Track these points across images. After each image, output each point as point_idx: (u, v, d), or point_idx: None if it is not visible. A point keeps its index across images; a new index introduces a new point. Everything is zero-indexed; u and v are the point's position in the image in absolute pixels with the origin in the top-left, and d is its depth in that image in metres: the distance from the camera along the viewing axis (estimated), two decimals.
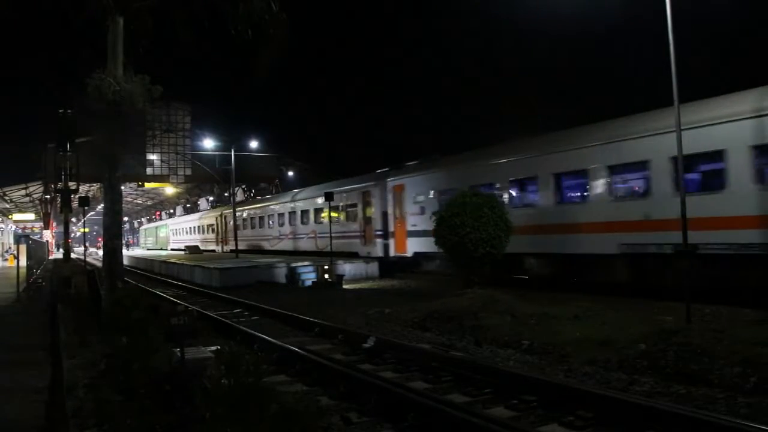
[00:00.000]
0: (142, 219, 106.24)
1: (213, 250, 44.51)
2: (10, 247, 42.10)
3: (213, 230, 46.36)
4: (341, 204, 26.60)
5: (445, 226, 14.66)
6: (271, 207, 36.70)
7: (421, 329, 10.82)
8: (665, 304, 11.10)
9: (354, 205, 25.98)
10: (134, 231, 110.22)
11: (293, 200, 33.12)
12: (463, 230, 14.11)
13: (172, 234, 64.25)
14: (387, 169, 24.64)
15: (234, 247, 38.19)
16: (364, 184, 25.48)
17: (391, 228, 23.02)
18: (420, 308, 12.15)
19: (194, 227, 54.05)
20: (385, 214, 23.44)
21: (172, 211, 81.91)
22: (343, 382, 6.96)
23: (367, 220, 24.76)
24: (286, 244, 33.14)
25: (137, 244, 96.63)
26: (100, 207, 57.55)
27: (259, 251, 36.29)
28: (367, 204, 24.94)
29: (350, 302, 15.26)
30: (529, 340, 9.03)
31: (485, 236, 14.11)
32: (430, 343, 9.34)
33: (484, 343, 9.32)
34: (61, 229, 43.59)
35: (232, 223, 40.75)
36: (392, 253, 23.03)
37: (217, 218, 44.54)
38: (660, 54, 9.80)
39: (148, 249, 73.47)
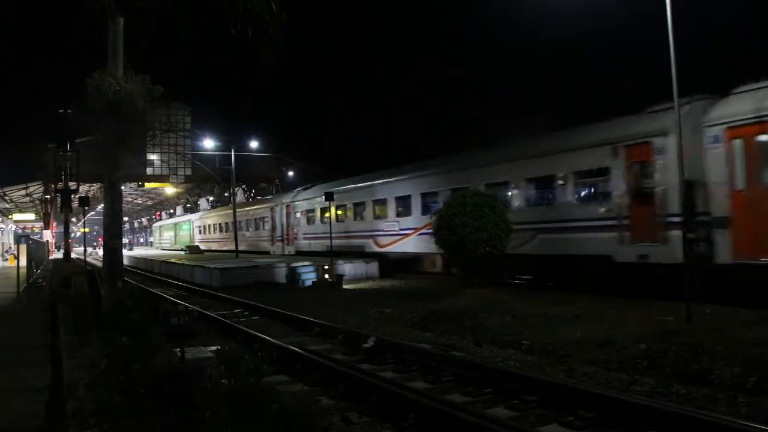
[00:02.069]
0: (143, 219, 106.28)
1: (267, 252, 34.14)
2: (10, 247, 42.09)
3: (266, 226, 36.24)
4: (555, 174, 15.74)
5: (445, 226, 14.67)
6: (383, 187, 23.53)
7: (421, 329, 10.82)
8: (665, 304, 11.10)
9: (597, 174, 14.58)
10: (134, 231, 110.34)
11: (426, 174, 21.09)
12: (463, 230, 14.11)
13: (198, 231, 54.05)
14: (663, 106, 12.99)
15: (301, 248, 30.52)
16: (626, 133, 14.05)
17: (721, 211, 11.82)
18: (420, 308, 12.16)
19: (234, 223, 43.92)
20: (691, 185, 11.75)
21: (172, 211, 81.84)
22: (343, 382, 6.97)
23: (640, 198, 13.47)
24: (410, 245, 21.59)
25: (138, 244, 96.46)
26: (100, 207, 57.63)
27: (354, 254, 24.59)
28: (637, 168, 13.75)
29: (350, 302, 15.25)
30: (529, 340, 9.03)
31: (485, 236, 14.12)
32: (430, 343, 9.34)
33: (484, 343, 9.32)
34: (62, 229, 43.60)
35: (300, 215, 30.88)
36: (726, 257, 11.75)
37: (273, 209, 34.25)
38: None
39: (163, 250, 63.13)
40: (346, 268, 22.42)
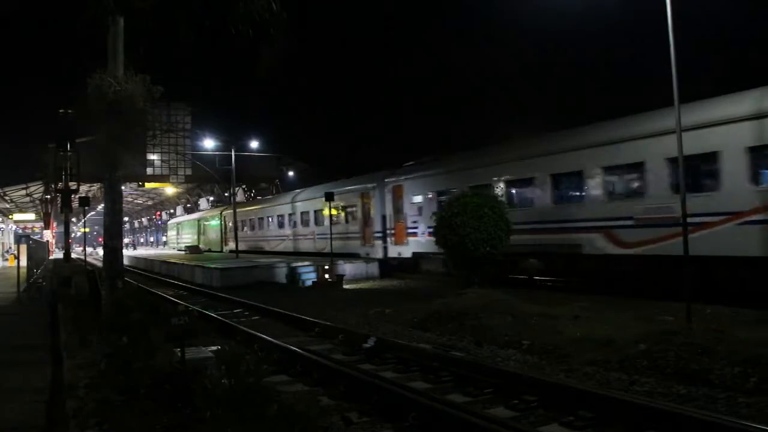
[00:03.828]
0: (143, 219, 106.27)
1: (355, 254, 25.46)
2: (10, 247, 42.12)
3: (353, 218, 26.55)
4: None
5: (446, 226, 14.68)
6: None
7: (421, 329, 10.82)
8: (665, 304, 11.09)
9: None
10: (134, 231, 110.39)
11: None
12: (463, 230, 14.12)
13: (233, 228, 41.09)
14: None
15: (427, 249, 19.83)
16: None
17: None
18: (420, 308, 12.15)
19: (297, 215, 31.99)
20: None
21: (172, 211, 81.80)
22: (343, 382, 6.96)
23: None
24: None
25: (139, 244, 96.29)
26: (100, 207, 57.60)
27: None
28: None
29: (351, 302, 15.26)
30: (529, 340, 9.03)
31: (485, 236, 14.13)
32: (430, 344, 9.34)
33: (484, 343, 9.32)
34: (62, 229, 43.58)
35: (425, 200, 20.76)
36: None
37: (365, 195, 24.83)
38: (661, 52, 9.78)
39: (180, 251, 51.81)
40: (347, 268, 22.43)
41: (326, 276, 20.75)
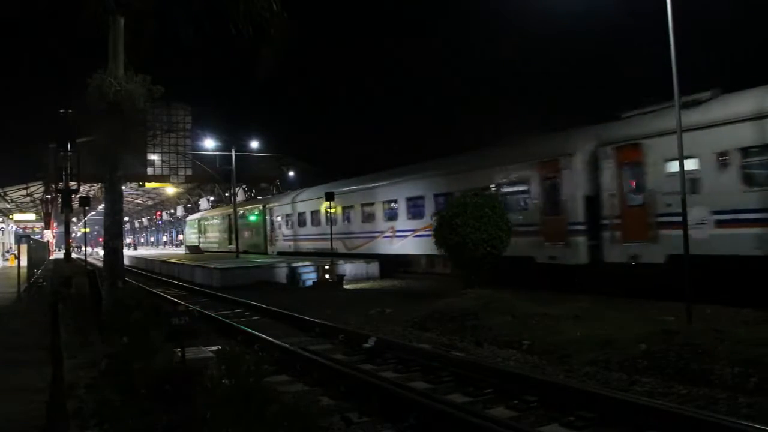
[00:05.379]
0: (143, 219, 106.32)
1: (530, 258, 15.96)
2: (10, 247, 42.15)
3: (515, 205, 16.69)
4: None
5: (446, 226, 14.68)
6: None
7: (421, 329, 10.82)
8: (666, 304, 11.08)
9: None
10: (135, 231, 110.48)
11: None
12: (464, 230, 14.12)
13: (286, 224, 33.66)
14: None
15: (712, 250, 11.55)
16: None
17: None
18: (421, 308, 12.16)
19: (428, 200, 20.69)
20: None
21: (172, 210, 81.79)
22: (343, 382, 6.96)
23: None
24: None
25: (139, 244, 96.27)
26: (101, 207, 57.66)
27: None
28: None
29: (351, 302, 15.26)
30: (529, 340, 9.03)
31: (486, 237, 14.13)
32: (430, 343, 9.35)
33: (484, 343, 9.32)
34: (62, 229, 43.60)
35: (674, 170, 11.33)
36: None
37: (545, 171, 15.80)
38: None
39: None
40: (347, 268, 22.42)
41: (326, 276, 20.75)
